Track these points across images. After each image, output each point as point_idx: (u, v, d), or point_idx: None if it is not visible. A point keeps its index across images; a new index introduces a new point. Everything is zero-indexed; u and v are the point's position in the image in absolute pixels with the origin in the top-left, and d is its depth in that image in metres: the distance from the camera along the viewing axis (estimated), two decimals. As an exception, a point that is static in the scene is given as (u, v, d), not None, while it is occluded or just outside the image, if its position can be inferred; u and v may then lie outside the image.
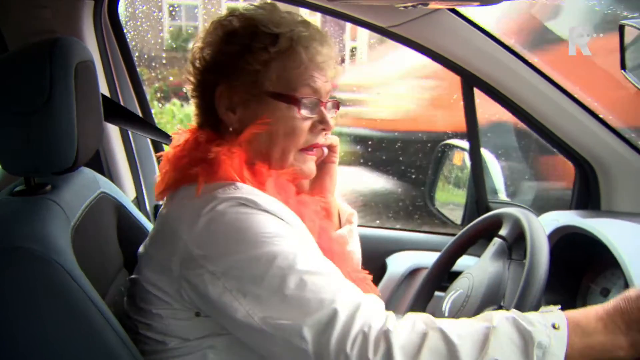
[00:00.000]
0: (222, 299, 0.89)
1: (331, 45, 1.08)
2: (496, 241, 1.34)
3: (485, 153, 1.96)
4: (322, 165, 1.22)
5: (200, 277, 0.91)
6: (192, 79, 1.09)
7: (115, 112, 1.59)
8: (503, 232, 1.34)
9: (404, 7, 1.49)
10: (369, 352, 0.82)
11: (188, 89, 1.10)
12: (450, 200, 2.15)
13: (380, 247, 2.04)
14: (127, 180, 1.94)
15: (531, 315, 0.87)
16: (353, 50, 10.14)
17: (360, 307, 0.86)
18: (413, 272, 1.98)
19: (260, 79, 1.02)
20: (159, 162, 1.12)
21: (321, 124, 1.07)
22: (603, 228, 1.42)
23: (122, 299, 1.11)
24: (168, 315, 0.98)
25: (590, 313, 0.87)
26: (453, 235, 1.52)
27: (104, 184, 1.29)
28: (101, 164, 1.84)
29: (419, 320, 0.89)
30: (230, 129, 1.06)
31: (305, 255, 0.90)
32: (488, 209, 1.89)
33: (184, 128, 1.10)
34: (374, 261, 1.98)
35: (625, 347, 0.84)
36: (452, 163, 2.14)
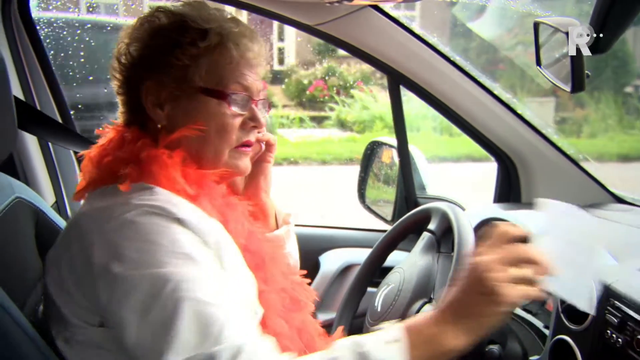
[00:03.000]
0: (111, 306, 0.86)
1: (261, 43, 1.07)
2: (425, 235, 1.37)
3: (412, 149, 2.01)
4: (257, 164, 1.20)
5: (99, 279, 0.87)
6: (117, 75, 1.04)
7: (31, 118, 1.49)
8: (431, 226, 1.37)
9: (329, 3, 1.49)
10: None
11: (114, 86, 1.06)
12: (381, 197, 2.19)
13: (313, 245, 2.04)
14: (45, 184, 1.84)
15: (370, 336, 0.89)
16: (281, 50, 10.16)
17: (242, 352, 0.82)
18: (346, 269, 1.99)
19: (190, 74, 1.00)
20: (79, 163, 1.07)
21: (252, 121, 1.05)
22: (524, 219, 1.48)
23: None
24: (81, 324, 0.92)
25: (427, 318, 0.90)
26: (384, 231, 1.54)
27: (20, 189, 1.22)
28: (15, 167, 1.74)
29: None
30: (159, 126, 1.02)
31: (205, 286, 0.86)
32: (417, 205, 1.93)
33: (109, 125, 1.05)
34: (307, 259, 1.97)
35: (460, 336, 0.88)
36: (381, 161, 2.17)
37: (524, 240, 0.90)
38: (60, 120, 1.89)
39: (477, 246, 0.92)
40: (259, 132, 1.11)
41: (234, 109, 1.02)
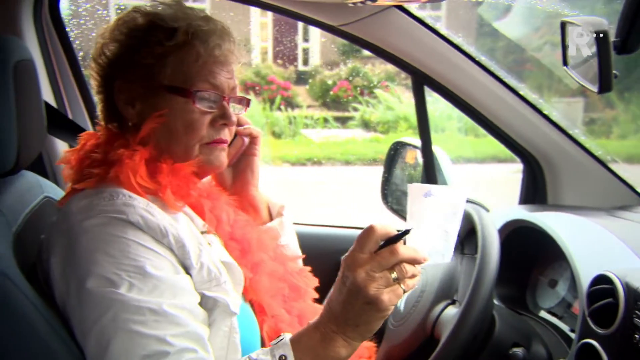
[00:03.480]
0: (65, 309, 0.93)
1: (233, 40, 1.07)
2: (449, 236, 1.36)
3: (437, 150, 1.99)
4: (243, 158, 1.20)
5: (59, 283, 0.93)
6: (95, 75, 1.07)
7: (60, 125, 1.53)
8: (455, 227, 1.36)
9: (353, 3, 1.49)
10: None
11: (92, 86, 1.09)
12: (404, 197, 2.17)
13: (335, 245, 2.03)
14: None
15: (261, 353, 0.92)
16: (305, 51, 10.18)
17: None
18: (368, 270, 1.98)
19: (155, 72, 1.01)
20: None
21: (222, 118, 1.05)
22: (550, 221, 1.46)
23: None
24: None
25: (315, 331, 0.92)
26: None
27: (48, 188, 1.25)
28: (44, 167, 1.77)
29: None
30: (130, 123, 1.05)
31: (145, 315, 0.88)
32: (440, 206, 1.91)
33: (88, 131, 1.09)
34: (330, 259, 1.97)
35: (349, 344, 0.91)
36: (405, 161, 2.16)
37: (401, 236, 0.91)
38: (88, 121, 1.93)
39: (353, 253, 0.92)
40: (240, 127, 1.12)
41: (200, 106, 1.02)
